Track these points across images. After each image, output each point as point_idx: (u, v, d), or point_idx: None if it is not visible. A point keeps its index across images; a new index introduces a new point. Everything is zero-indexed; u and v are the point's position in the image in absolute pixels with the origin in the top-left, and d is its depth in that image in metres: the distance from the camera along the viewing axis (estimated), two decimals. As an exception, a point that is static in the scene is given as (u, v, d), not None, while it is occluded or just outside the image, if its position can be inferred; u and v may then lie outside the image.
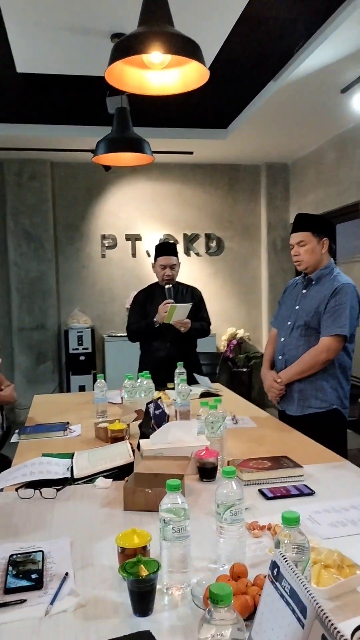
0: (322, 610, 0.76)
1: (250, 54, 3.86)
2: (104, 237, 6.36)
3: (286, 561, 0.90)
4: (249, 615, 1.01)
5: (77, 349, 6.04)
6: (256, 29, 3.48)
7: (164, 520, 1.13)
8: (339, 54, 3.62)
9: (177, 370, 3.13)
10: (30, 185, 6.10)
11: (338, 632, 0.71)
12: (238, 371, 6.41)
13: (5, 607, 1.10)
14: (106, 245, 6.37)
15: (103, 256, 6.38)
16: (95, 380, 6.20)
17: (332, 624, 0.73)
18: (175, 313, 3.52)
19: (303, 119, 4.95)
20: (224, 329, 6.55)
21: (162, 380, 3.44)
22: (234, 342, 6.43)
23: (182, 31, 1.79)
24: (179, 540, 1.13)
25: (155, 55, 1.83)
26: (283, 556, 0.91)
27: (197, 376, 3.54)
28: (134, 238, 6.40)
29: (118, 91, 3.88)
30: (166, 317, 3.53)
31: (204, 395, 3.18)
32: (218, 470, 1.81)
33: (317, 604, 0.78)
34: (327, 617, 0.74)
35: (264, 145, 5.82)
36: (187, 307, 3.57)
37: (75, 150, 5.80)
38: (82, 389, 5.97)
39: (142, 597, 1.06)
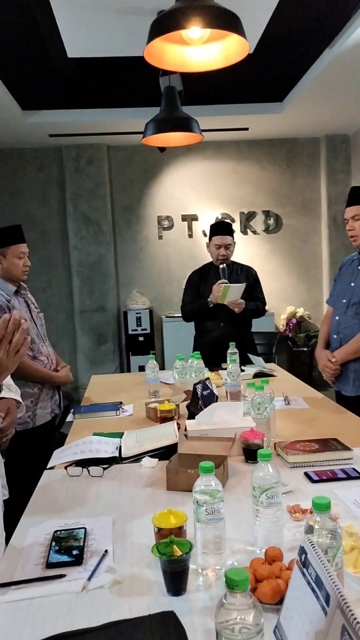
0: (344, 599, 0.74)
1: (302, 23, 3.69)
2: (160, 218, 6.37)
3: (313, 547, 0.88)
4: (281, 599, 1.00)
5: (136, 330, 6.13)
6: (308, -5, 3.33)
7: (198, 502, 1.14)
8: None
9: (229, 351, 3.11)
10: (88, 169, 6.19)
11: (358, 622, 0.69)
12: (298, 350, 6.30)
13: (46, 581, 1.14)
14: (163, 226, 6.38)
15: (160, 237, 6.40)
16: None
17: (352, 614, 0.71)
18: (229, 293, 3.49)
19: (363, 87, 4.71)
20: (283, 308, 6.44)
21: (216, 361, 3.43)
22: (294, 321, 6.31)
23: (229, 2, 1.74)
24: (212, 522, 1.13)
25: (194, 30, 1.78)
26: (311, 542, 0.90)
27: (251, 356, 3.51)
28: (190, 218, 6.38)
29: (171, 71, 3.86)
30: (220, 298, 3.50)
31: (257, 375, 3.15)
32: (264, 452, 1.79)
33: (339, 592, 0.76)
34: (348, 606, 0.72)
35: (322, 116, 5.61)
36: (240, 287, 3.52)
37: (130, 132, 5.81)
38: (141, 369, 6.06)
39: (175, 577, 1.07)
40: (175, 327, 5.99)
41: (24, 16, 3.40)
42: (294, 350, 6.33)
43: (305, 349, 6.27)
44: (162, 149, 5.49)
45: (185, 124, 3.03)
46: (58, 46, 3.75)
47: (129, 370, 6.16)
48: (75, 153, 6.15)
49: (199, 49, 1.90)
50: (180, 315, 4.05)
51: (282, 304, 6.45)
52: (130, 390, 3.04)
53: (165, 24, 1.74)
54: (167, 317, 6.18)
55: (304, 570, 0.88)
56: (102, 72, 4.38)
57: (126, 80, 4.65)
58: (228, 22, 1.72)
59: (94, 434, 2.13)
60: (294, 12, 3.52)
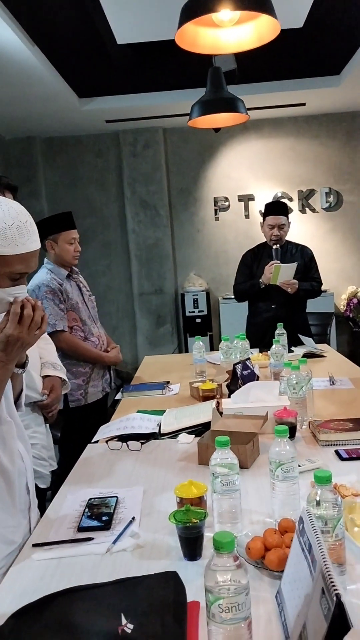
0: (326, 564, 0.78)
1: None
2: (216, 199, 6.37)
3: (310, 517, 0.92)
4: (288, 567, 1.04)
5: (193, 312, 6.20)
6: None
7: (214, 474, 1.19)
8: None
9: (276, 331, 3.12)
10: (145, 153, 6.26)
11: (332, 584, 0.73)
12: (359, 331, 6.15)
13: (75, 543, 1.24)
14: (219, 207, 6.38)
15: (216, 219, 6.40)
16: (212, 341, 6.35)
17: (330, 576, 0.75)
18: (281, 273, 3.48)
19: None
20: (343, 288, 6.29)
21: (268, 342, 3.43)
22: (355, 301, 6.16)
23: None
24: (227, 493, 1.19)
25: (224, 12, 1.79)
26: (309, 513, 0.93)
27: (302, 337, 3.49)
28: (246, 199, 6.33)
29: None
30: (272, 278, 3.50)
31: (307, 356, 3.14)
32: (297, 431, 1.82)
33: (324, 558, 0.80)
34: (327, 569, 0.76)
35: (383, 87, 5.37)
36: (292, 267, 3.50)
37: (185, 114, 5.80)
38: (199, 350, 6.15)
39: (190, 543, 1.14)
40: (231, 309, 6.00)
41: (75, 5, 3.48)
42: (355, 331, 6.19)
43: (366, 329, 6.11)
44: (216, 130, 5.46)
45: (230, 104, 3.03)
46: (108, 33, 3.82)
47: (186, 351, 6.25)
48: (132, 138, 6.24)
49: (232, 30, 1.90)
50: (237, 296, 4.07)
51: (342, 284, 6.30)
52: (180, 371, 3.12)
53: (195, 8, 1.76)
54: (224, 298, 6.21)
55: (300, 538, 0.93)
56: (153, 55, 4.41)
57: (179, 62, 4.65)
58: (257, 3, 1.72)
59: (138, 412, 2.23)
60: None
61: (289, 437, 1.80)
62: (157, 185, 6.28)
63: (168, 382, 2.76)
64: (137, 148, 6.26)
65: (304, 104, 5.74)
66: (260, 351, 3.29)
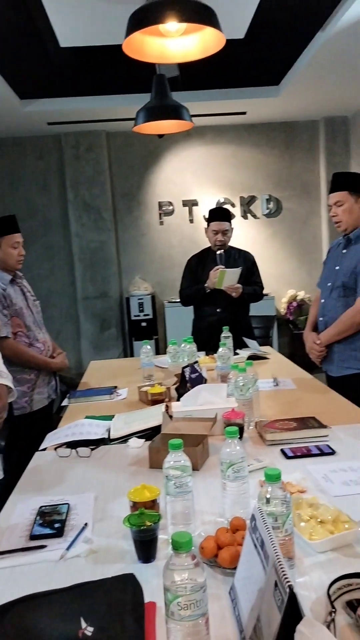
0: (278, 558, 0.82)
1: (293, 6, 3.69)
2: (161, 204, 6.41)
3: (261, 514, 0.96)
4: (240, 564, 1.08)
5: (139, 316, 6.21)
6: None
7: (167, 476, 1.22)
8: (389, -5, 3.39)
9: (222, 334, 3.19)
10: (88, 156, 6.22)
11: (285, 577, 0.77)
12: (299, 333, 6.33)
13: (27, 551, 1.23)
14: (164, 212, 6.43)
15: (161, 223, 6.44)
16: (157, 345, 6.37)
17: (282, 570, 0.79)
18: (226, 278, 3.55)
19: (358, 67, 4.70)
20: (284, 292, 6.48)
21: (214, 345, 3.50)
22: (294, 304, 6.35)
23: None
24: (180, 495, 1.21)
25: (171, 24, 1.83)
26: (260, 510, 0.97)
27: (246, 340, 3.58)
28: (190, 204, 6.41)
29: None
30: (217, 283, 3.56)
31: (251, 358, 3.22)
32: (245, 431, 1.87)
33: (276, 552, 0.84)
34: (280, 563, 0.80)
35: (320, 99, 5.59)
36: (237, 271, 3.58)
37: (129, 119, 5.81)
38: (144, 354, 6.17)
39: (144, 545, 1.16)
40: (177, 312, 6.05)
41: (16, 6, 3.43)
42: (295, 333, 6.38)
43: (306, 332, 6.31)
44: (160, 135, 5.52)
45: (175, 112, 3.07)
46: (51, 36, 3.79)
47: (132, 355, 6.26)
48: (74, 140, 6.19)
49: (178, 41, 1.94)
50: (183, 300, 4.09)
51: (283, 288, 6.49)
52: (127, 375, 3.12)
53: (142, 18, 1.78)
54: (170, 302, 6.25)
55: (253, 535, 0.96)
56: (98, 59, 4.41)
57: (123, 67, 4.67)
58: (203, 16, 1.77)
59: (86, 417, 2.22)
60: (284, -4, 3.52)
61: (238, 438, 1.86)
62: (101, 189, 6.26)
63: (116, 387, 2.76)
64: (80, 151, 6.22)
65: (244, 113, 5.88)
66: (207, 354, 3.34)
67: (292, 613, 0.74)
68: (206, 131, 6.26)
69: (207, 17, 1.77)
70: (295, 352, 6.31)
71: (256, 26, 3.74)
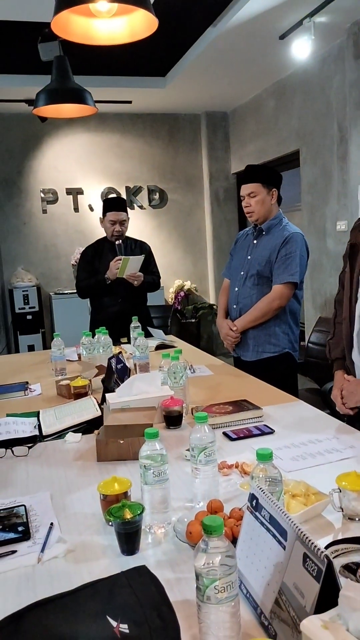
0: (301, 531, 0.85)
1: (188, 0, 3.76)
2: (44, 191, 6.18)
3: (263, 492, 0.99)
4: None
5: (24, 308, 5.95)
6: (195, -28, 3.39)
7: (145, 466, 1.20)
8: (278, -1, 3.58)
9: (132, 325, 3.18)
10: None
11: (318, 549, 0.81)
12: (187, 322, 6.52)
13: (-2, 559, 1.15)
14: (47, 200, 6.20)
15: (44, 212, 6.22)
16: (44, 338, 6.15)
17: (312, 543, 0.82)
18: (129, 266, 3.52)
19: (242, 66, 4.91)
20: (171, 282, 6.60)
21: (116, 336, 3.47)
22: (182, 294, 6.50)
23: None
24: (159, 484, 1.20)
25: (102, 4, 1.77)
26: (260, 488, 1.00)
27: (150, 329, 3.60)
28: (75, 192, 6.26)
29: (50, 37, 3.72)
30: (119, 272, 3.52)
31: (160, 347, 3.25)
32: (183, 418, 1.90)
33: (296, 527, 0.87)
34: (306, 537, 0.84)
35: (203, 93, 5.75)
36: (139, 259, 3.57)
37: (8, 100, 5.53)
38: (31, 348, 5.93)
39: (129, 538, 1.13)
40: (65, 304, 5.90)
41: None
42: (183, 322, 6.54)
43: (193, 320, 6.50)
44: (43, 119, 5.30)
45: (79, 96, 2.99)
46: None
47: (17, 351, 5.98)
48: None
49: (106, 22, 1.89)
50: (70, 291, 4.00)
51: (170, 278, 6.60)
52: (31, 370, 2.99)
53: (72, -6, 1.70)
54: (57, 294, 6.07)
55: (256, 513, 0.99)
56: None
57: (2, 46, 4.41)
58: (136, -3, 1.73)
59: (8, 416, 2.09)
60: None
61: (176, 426, 1.88)
62: (-22, 174, 5.88)
63: (27, 383, 2.63)
64: None
65: (130, 102, 5.86)
66: (114, 344, 3.31)
67: (330, 581, 0.78)
68: (90, 118, 6.13)
69: None
70: (186, 341, 6.48)
71: (152, 15, 3.73)
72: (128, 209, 6.31)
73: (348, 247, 1.92)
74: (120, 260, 3.52)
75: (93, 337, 2.90)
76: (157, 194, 6.52)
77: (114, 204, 3.76)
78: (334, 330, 2.02)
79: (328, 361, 2.04)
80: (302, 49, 4.23)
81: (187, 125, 6.55)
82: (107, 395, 1.96)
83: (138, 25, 1.89)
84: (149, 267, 3.85)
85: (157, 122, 6.44)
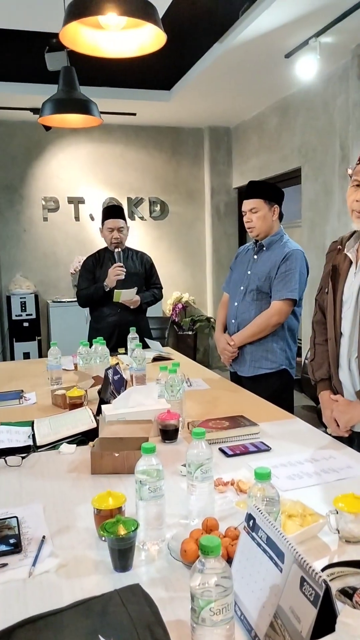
0: (299, 555, 0.84)
1: (196, 16, 3.79)
2: (45, 199, 6.19)
3: (261, 512, 0.98)
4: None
5: (21, 315, 5.93)
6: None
7: (141, 481, 1.19)
8: (284, 18, 3.62)
9: (130, 336, 3.17)
10: (-35, 144, 5.82)
11: (316, 573, 0.79)
12: (184, 334, 6.51)
13: (-12, 571, 1.13)
14: (48, 208, 6.21)
15: (45, 219, 6.22)
16: (40, 346, 6.12)
17: (310, 566, 0.81)
18: (121, 297, 3.55)
19: (246, 83, 4.95)
20: (169, 293, 6.60)
21: (114, 346, 3.47)
22: (180, 305, 6.50)
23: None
24: (154, 499, 1.19)
25: (111, 17, 1.78)
26: (257, 508, 0.99)
27: (148, 341, 3.59)
28: (76, 201, 6.27)
29: (57, 47, 3.75)
30: (114, 298, 3.54)
31: (157, 359, 3.24)
32: (179, 432, 1.88)
33: (294, 549, 0.86)
34: (304, 560, 0.83)
35: (207, 108, 5.79)
36: (132, 292, 3.58)
37: (13, 108, 5.56)
38: (26, 355, 5.91)
39: (123, 554, 1.12)
40: (62, 312, 5.89)
41: None
42: (180, 334, 6.53)
43: (190, 333, 6.49)
44: (47, 128, 5.32)
45: (85, 107, 2.99)
46: None
47: (12, 358, 5.96)
48: None
49: (115, 35, 1.90)
50: (68, 300, 4.01)
51: (168, 289, 6.59)
52: (27, 378, 2.97)
53: (83, 7, 1.72)
54: (54, 302, 6.06)
55: (253, 534, 0.98)
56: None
57: (9, 53, 4.44)
58: (145, 11, 1.75)
59: (1, 424, 2.08)
60: (189, 5, 3.60)
61: (171, 440, 1.86)
62: (-20, 180, 5.88)
63: (22, 391, 2.61)
64: None
65: (134, 114, 5.89)
66: (111, 355, 3.29)
67: (327, 606, 0.77)
68: (94, 129, 6.16)
69: (149, 14, 1.76)
70: (180, 353, 6.47)
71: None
72: (129, 220, 6.40)
73: (330, 269, 1.92)
74: (119, 266, 3.54)
75: (90, 346, 2.89)
76: (159, 205, 6.54)
77: (111, 212, 3.78)
78: (315, 351, 2.02)
79: (312, 382, 2.04)
80: (307, 68, 4.27)
81: (190, 139, 6.59)
82: (103, 406, 1.94)
83: (147, 39, 1.90)
84: (151, 279, 3.87)
85: (160, 134, 6.47)
